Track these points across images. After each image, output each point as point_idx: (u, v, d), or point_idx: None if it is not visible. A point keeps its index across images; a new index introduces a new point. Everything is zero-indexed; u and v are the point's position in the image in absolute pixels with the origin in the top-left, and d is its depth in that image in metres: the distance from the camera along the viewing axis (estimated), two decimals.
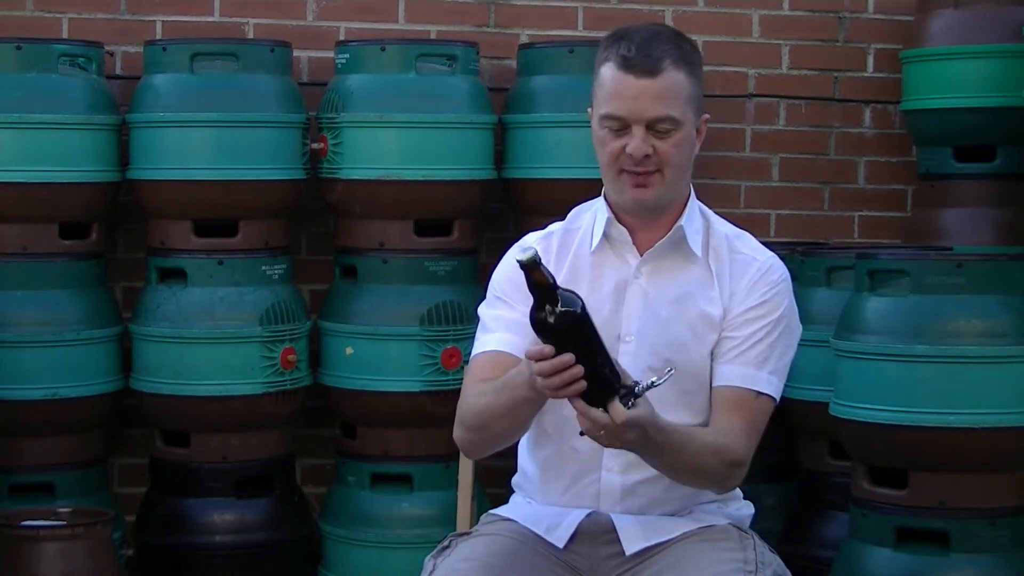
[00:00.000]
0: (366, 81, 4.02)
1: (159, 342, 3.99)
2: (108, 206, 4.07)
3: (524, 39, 4.43)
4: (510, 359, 2.49)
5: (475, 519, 2.75)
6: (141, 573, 4.09)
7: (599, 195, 2.64)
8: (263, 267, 4.02)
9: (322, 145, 4.04)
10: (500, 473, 3.57)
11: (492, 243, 4.45)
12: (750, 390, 2.51)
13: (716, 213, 2.70)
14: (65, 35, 4.25)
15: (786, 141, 4.62)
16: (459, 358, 4.00)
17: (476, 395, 2.48)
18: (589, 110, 2.57)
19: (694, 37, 4.41)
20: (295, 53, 4.18)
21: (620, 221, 2.57)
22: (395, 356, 4.02)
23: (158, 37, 4.27)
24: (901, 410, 3.47)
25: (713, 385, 2.52)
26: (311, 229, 4.40)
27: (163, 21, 4.32)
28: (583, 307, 2.24)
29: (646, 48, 2.46)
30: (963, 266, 3.48)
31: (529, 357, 2.26)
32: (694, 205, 2.62)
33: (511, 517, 2.60)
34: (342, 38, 4.34)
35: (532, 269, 2.23)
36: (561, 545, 2.53)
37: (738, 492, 2.66)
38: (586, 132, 4.00)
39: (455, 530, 2.67)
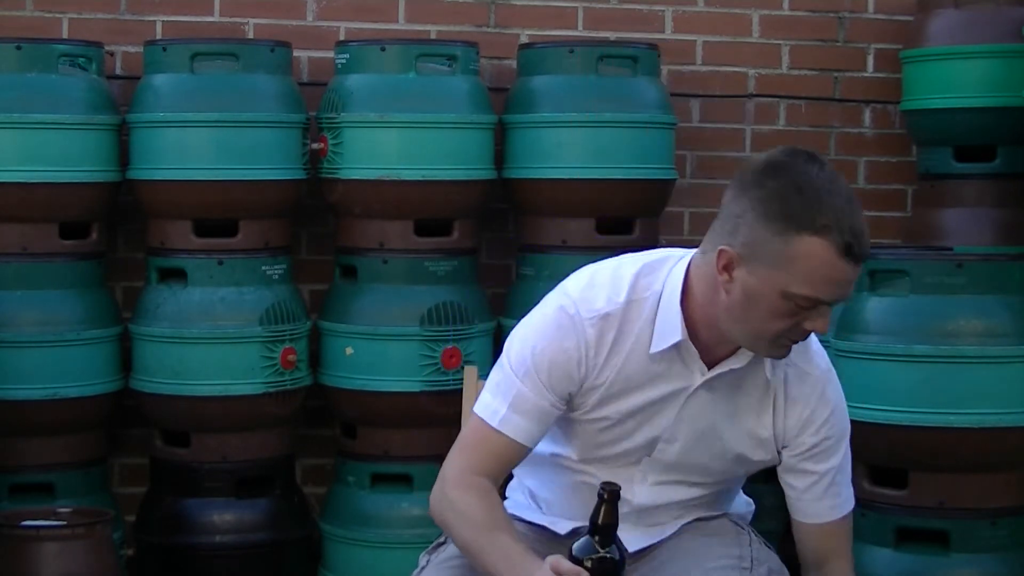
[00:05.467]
0: (366, 81, 4.02)
1: (159, 342, 3.99)
2: (108, 206, 4.07)
3: (524, 39, 4.42)
4: (519, 449, 2.42)
5: None
6: (141, 573, 4.09)
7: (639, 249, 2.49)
8: (263, 267, 4.02)
9: (322, 145, 4.04)
10: None
11: (492, 243, 4.45)
12: (843, 516, 2.53)
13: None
14: (65, 35, 4.25)
15: (786, 141, 4.61)
16: (459, 358, 4.00)
17: (467, 513, 2.36)
18: (725, 250, 2.29)
19: (694, 37, 4.53)
20: (295, 53, 4.18)
21: (692, 337, 2.38)
22: (395, 356, 4.02)
23: (158, 37, 4.27)
24: (901, 410, 3.47)
25: (803, 520, 2.52)
26: (311, 229, 4.40)
27: (163, 21, 4.32)
28: (623, 563, 2.24)
29: (865, 234, 2.26)
30: (963, 266, 3.47)
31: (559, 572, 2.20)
32: None
33: (511, 512, 2.59)
34: (342, 38, 4.34)
35: (610, 503, 2.22)
36: (563, 533, 2.52)
37: (739, 489, 2.66)
38: (586, 132, 4.04)
39: None
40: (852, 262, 2.24)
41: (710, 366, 2.40)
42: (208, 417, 3.99)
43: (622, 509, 2.33)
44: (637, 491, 2.48)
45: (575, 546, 2.23)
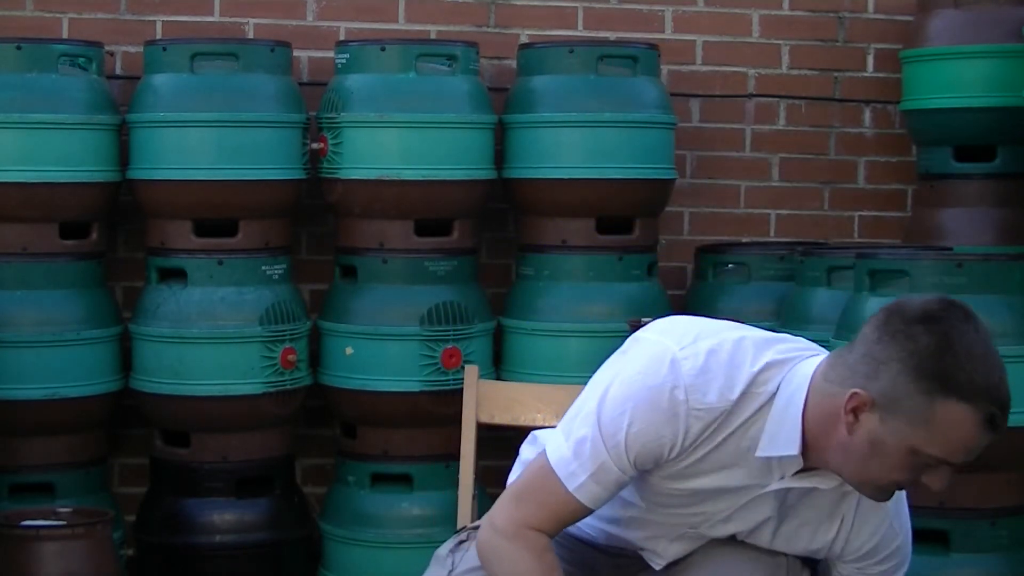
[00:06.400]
0: (366, 81, 4.02)
1: (159, 342, 3.99)
2: (108, 206, 4.07)
3: (524, 39, 4.42)
4: (585, 512, 2.32)
5: (476, 519, 2.75)
6: (141, 573, 4.09)
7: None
8: (263, 267, 4.02)
9: (322, 145, 4.04)
10: (501, 473, 3.57)
11: (492, 243, 4.45)
12: None
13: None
14: (65, 35, 4.25)
15: (786, 141, 4.62)
16: (459, 358, 4.00)
17: (521, 573, 2.30)
18: (859, 393, 2.18)
19: (694, 37, 4.53)
20: (295, 53, 4.18)
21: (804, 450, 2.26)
22: (395, 356, 4.02)
23: (158, 37, 4.27)
24: None
25: None
26: (311, 229, 4.40)
27: (163, 21, 4.32)
28: None
29: (1008, 406, 2.20)
30: (963, 266, 3.47)
31: None
32: None
33: None
34: (342, 38, 4.34)
35: None
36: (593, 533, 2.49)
37: None
38: (586, 132, 4.04)
39: (455, 529, 2.66)
40: (993, 432, 2.17)
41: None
42: (208, 417, 3.99)
43: (652, 560, 2.33)
44: (672, 548, 2.44)
45: None
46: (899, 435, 2.16)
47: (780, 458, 2.26)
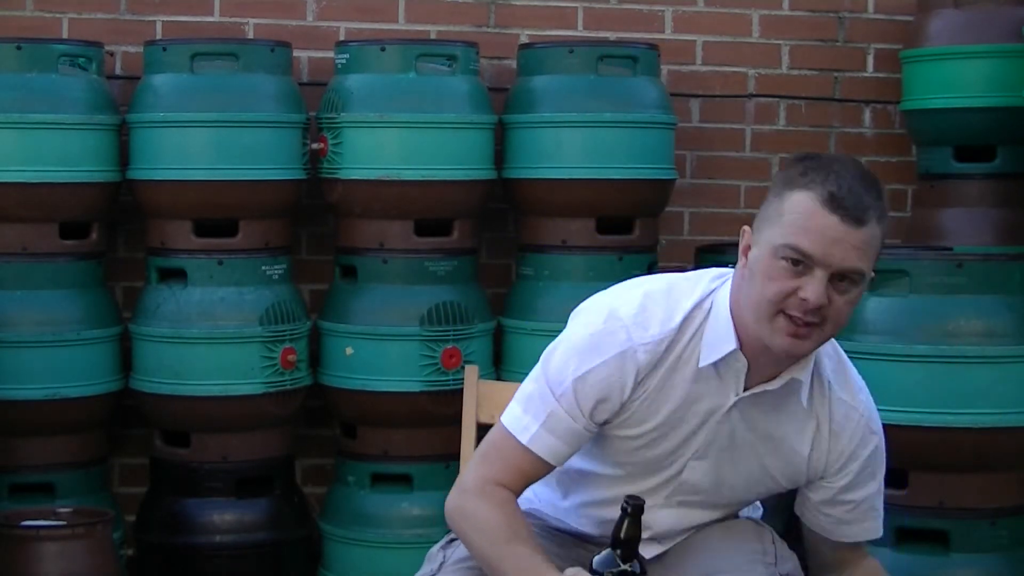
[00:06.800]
0: (366, 81, 4.02)
1: (159, 342, 3.99)
2: (108, 206, 4.07)
3: (524, 39, 4.43)
4: (546, 467, 2.39)
5: None
6: (141, 573, 4.09)
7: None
8: (263, 267, 4.02)
9: (322, 145, 4.04)
10: None
11: (492, 243, 4.45)
12: (879, 535, 2.54)
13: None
14: (65, 35, 4.25)
15: (786, 141, 4.62)
16: (459, 358, 4.00)
17: (484, 523, 2.33)
18: (746, 229, 2.32)
19: (694, 37, 4.53)
20: (295, 53, 4.18)
21: (742, 351, 2.33)
22: (395, 356, 4.02)
23: (158, 37, 4.27)
24: (900, 410, 3.47)
25: (836, 541, 2.52)
26: (311, 229, 4.40)
27: (163, 21, 4.32)
28: None
29: (857, 195, 2.22)
30: (963, 266, 3.48)
31: None
32: (812, 354, 2.40)
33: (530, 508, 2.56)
34: (342, 38, 4.35)
35: (634, 517, 2.22)
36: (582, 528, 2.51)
37: None
38: (586, 132, 4.04)
39: None
40: (834, 213, 2.21)
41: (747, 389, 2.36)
42: (208, 417, 3.99)
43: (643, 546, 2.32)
44: (661, 516, 2.45)
45: (596, 559, 2.21)
46: (764, 244, 2.26)
47: (725, 362, 2.32)
